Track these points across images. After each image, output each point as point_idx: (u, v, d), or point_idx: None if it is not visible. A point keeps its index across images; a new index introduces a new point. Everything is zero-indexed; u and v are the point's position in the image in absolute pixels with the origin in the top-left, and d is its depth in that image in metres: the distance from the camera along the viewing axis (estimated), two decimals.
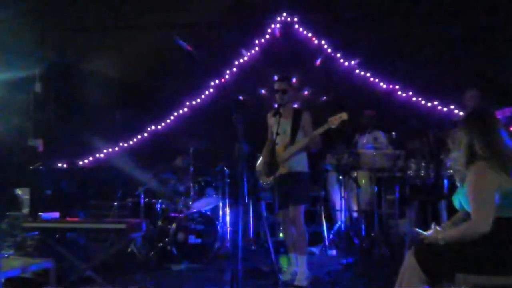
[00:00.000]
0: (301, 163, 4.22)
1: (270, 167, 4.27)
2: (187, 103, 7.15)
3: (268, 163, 4.30)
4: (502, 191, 2.38)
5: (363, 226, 5.56)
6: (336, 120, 3.97)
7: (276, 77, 4.45)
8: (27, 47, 6.61)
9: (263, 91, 6.97)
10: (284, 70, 6.23)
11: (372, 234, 5.31)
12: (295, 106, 4.50)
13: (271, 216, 5.88)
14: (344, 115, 3.97)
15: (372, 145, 5.71)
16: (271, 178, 4.24)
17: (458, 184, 2.62)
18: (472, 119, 2.58)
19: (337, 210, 5.91)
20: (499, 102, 5.03)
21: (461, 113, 5.99)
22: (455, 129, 2.64)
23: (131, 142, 7.17)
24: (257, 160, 4.55)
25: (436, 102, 6.54)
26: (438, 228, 2.59)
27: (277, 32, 7.09)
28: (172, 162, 6.05)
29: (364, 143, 5.87)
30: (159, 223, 5.35)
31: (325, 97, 6.86)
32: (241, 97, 6.74)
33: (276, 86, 4.32)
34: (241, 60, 7.11)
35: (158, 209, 5.60)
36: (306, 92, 6.87)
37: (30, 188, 4.79)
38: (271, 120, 4.39)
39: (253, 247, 5.67)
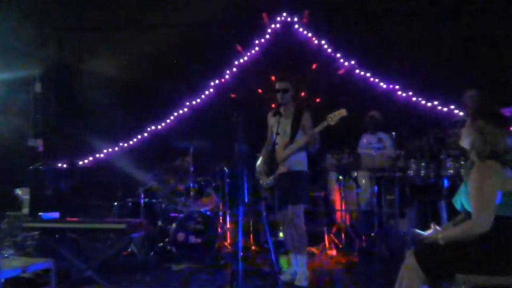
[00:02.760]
0: (300, 163, 4.22)
1: (270, 167, 4.27)
2: (187, 103, 7.15)
3: (268, 162, 4.30)
4: (505, 190, 2.38)
5: (363, 226, 5.56)
6: (336, 116, 3.97)
7: (276, 77, 4.45)
8: (27, 47, 6.61)
9: (262, 91, 6.96)
10: (284, 70, 6.23)
11: (372, 234, 5.31)
12: (296, 106, 4.51)
13: (271, 216, 5.88)
14: (343, 112, 3.96)
15: (377, 145, 5.70)
16: (271, 177, 4.24)
17: (464, 176, 2.60)
18: (483, 117, 2.56)
19: (337, 210, 5.91)
20: (499, 102, 5.03)
21: (461, 113, 5.99)
22: (460, 127, 2.63)
23: (131, 142, 7.17)
24: (257, 160, 4.55)
25: (436, 102, 6.54)
26: (438, 228, 2.59)
27: (277, 32, 7.10)
28: (172, 162, 6.05)
29: (365, 143, 5.87)
30: (159, 223, 5.35)
31: (323, 97, 6.85)
32: (240, 97, 6.74)
33: (277, 86, 4.33)
34: (241, 60, 7.11)
35: (158, 209, 5.60)
36: (303, 93, 6.85)
37: (30, 188, 4.79)
38: (271, 120, 4.39)
39: (253, 247, 5.67)
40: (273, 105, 4.46)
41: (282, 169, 4.20)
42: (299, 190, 4.17)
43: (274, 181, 4.21)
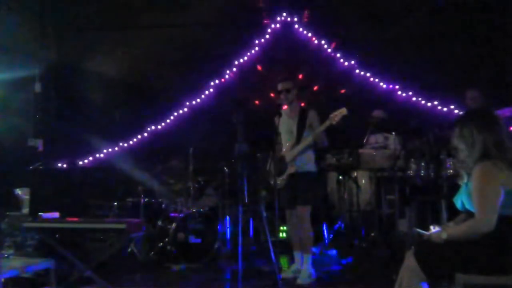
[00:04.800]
0: (308, 163, 4.24)
1: (279, 167, 4.27)
2: (187, 103, 7.15)
3: (277, 163, 4.30)
4: (506, 190, 2.37)
5: (363, 226, 5.56)
6: (337, 116, 3.98)
7: (278, 78, 4.46)
8: (27, 47, 6.61)
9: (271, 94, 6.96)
10: (284, 70, 6.23)
11: (372, 234, 5.31)
12: (301, 104, 4.51)
13: (271, 216, 5.88)
14: (343, 111, 3.97)
15: (384, 144, 5.68)
16: (281, 178, 4.24)
17: (464, 177, 2.60)
18: (481, 117, 2.56)
19: (337, 210, 5.91)
20: (500, 102, 5.03)
21: (461, 113, 5.98)
22: (457, 127, 2.63)
23: (131, 142, 7.17)
24: (257, 160, 4.55)
25: (436, 102, 6.54)
26: (438, 228, 2.58)
27: (277, 32, 7.10)
28: (172, 162, 6.04)
29: (373, 142, 5.85)
30: (159, 223, 5.34)
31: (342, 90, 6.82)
32: (240, 98, 6.74)
33: (279, 87, 4.34)
34: (241, 60, 7.11)
35: (158, 209, 5.59)
36: (316, 88, 6.85)
37: (30, 188, 4.78)
38: (277, 121, 4.39)
39: (253, 247, 5.67)
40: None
41: (290, 169, 4.23)
42: (308, 191, 4.18)
43: (283, 182, 4.22)
